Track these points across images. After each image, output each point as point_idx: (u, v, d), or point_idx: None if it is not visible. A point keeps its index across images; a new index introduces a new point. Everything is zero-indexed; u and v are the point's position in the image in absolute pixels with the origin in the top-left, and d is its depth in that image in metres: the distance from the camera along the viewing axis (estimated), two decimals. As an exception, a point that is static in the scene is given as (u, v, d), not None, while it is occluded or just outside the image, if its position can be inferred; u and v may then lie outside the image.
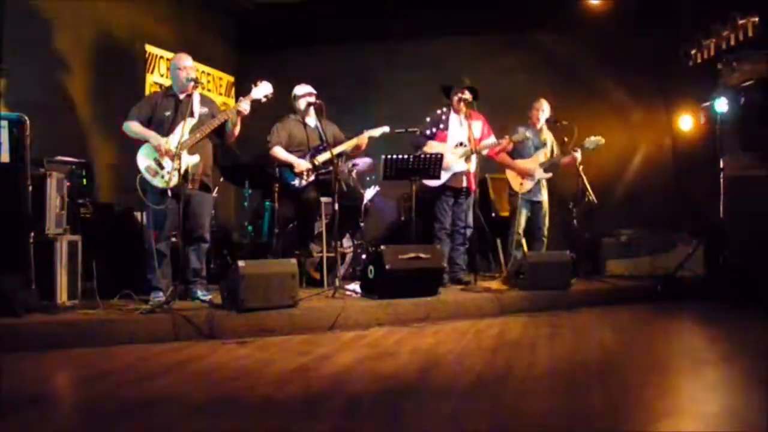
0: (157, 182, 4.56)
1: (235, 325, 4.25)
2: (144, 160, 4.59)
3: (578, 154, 6.11)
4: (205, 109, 4.80)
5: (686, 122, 7.00)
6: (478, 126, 5.92)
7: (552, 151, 6.33)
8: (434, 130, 5.92)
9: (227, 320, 4.25)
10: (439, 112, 5.98)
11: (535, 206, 6.25)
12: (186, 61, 4.80)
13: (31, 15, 5.10)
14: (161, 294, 4.59)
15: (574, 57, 7.35)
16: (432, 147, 5.84)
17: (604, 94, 7.08)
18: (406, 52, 7.77)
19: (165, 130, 4.65)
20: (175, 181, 4.50)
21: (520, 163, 6.22)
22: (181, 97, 4.75)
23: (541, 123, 6.27)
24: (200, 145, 4.70)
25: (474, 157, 5.77)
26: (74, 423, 2.72)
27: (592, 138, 6.14)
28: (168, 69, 6.65)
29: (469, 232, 5.91)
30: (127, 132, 4.69)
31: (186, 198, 4.60)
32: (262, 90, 4.76)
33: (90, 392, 3.09)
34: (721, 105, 6.28)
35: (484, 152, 5.83)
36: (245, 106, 4.71)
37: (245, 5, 7.78)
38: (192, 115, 4.66)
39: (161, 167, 4.56)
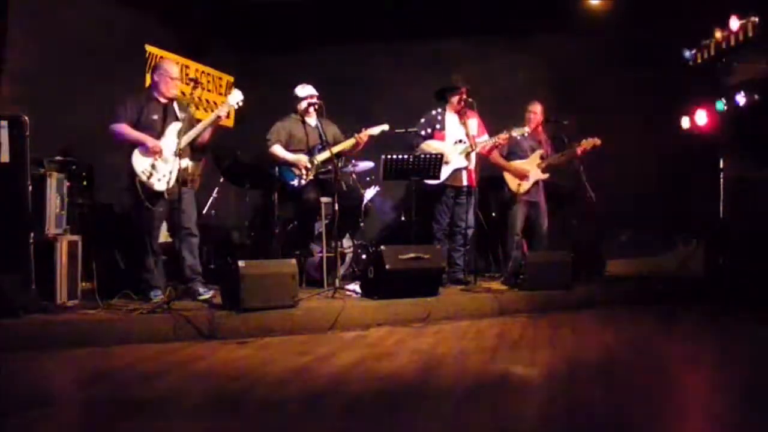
0: (154, 184, 4.61)
1: (235, 325, 4.25)
2: (140, 163, 4.63)
3: (578, 150, 6.11)
4: (184, 114, 4.90)
5: (686, 122, 7.01)
6: (474, 124, 5.92)
7: (548, 152, 6.33)
8: (429, 130, 5.94)
9: (227, 320, 4.26)
10: (434, 112, 6.00)
11: (532, 207, 6.25)
12: (176, 70, 4.92)
13: (32, 15, 5.09)
14: (160, 292, 4.63)
15: (574, 57, 7.34)
16: (431, 146, 5.84)
17: (603, 94, 7.07)
18: (406, 52, 7.77)
19: (154, 133, 4.70)
20: (171, 182, 4.61)
21: (516, 164, 6.22)
22: (163, 101, 4.84)
23: (535, 124, 6.25)
24: (185, 148, 4.81)
25: (473, 155, 5.78)
26: (74, 423, 2.72)
27: (588, 139, 6.16)
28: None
29: (470, 232, 5.91)
30: (116, 134, 4.68)
31: (176, 197, 4.68)
32: (235, 98, 4.90)
33: (90, 392, 3.09)
34: (722, 105, 6.29)
35: (477, 149, 5.81)
36: (224, 112, 4.86)
37: (246, 5, 7.77)
38: (177, 119, 4.79)
39: (156, 170, 4.63)
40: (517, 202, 6.18)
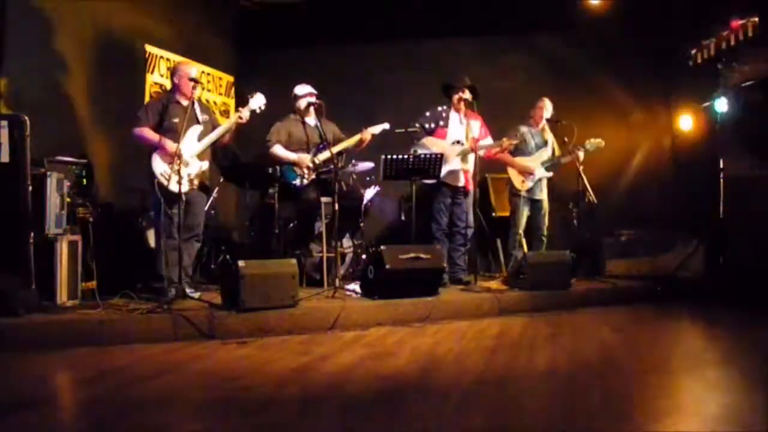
0: (174, 187, 4.66)
1: (235, 325, 4.25)
2: (159, 165, 4.72)
3: (581, 153, 6.10)
4: (206, 116, 5.01)
5: (686, 122, 7.00)
6: (476, 125, 5.93)
7: (553, 151, 6.33)
8: (433, 125, 5.94)
9: (227, 320, 4.26)
10: (440, 109, 6.00)
11: (535, 205, 6.24)
12: (194, 71, 5.01)
13: (32, 15, 5.09)
14: (173, 290, 4.66)
15: (574, 57, 7.34)
16: (431, 143, 5.84)
17: (604, 94, 7.07)
18: (406, 52, 7.77)
19: (175, 136, 4.74)
20: (188, 186, 4.70)
21: (522, 161, 6.21)
22: (184, 104, 4.90)
23: (543, 122, 6.27)
24: (205, 151, 4.93)
25: (472, 157, 5.79)
26: (74, 423, 2.72)
27: (593, 140, 6.14)
28: (168, 69, 6.69)
29: (469, 232, 5.92)
30: (139, 139, 4.81)
31: (189, 200, 4.77)
32: (257, 101, 5.01)
33: (90, 392, 3.09)
34: (722, 105, 6.29)
35: (481, 152, 5.83)
36: (246, 115, 4.95)
37: (245, 5, 7.78)
38: (198, 122, 4.90)
39: (175, 172, 4.67)
40: (520, 199, 6.18)
